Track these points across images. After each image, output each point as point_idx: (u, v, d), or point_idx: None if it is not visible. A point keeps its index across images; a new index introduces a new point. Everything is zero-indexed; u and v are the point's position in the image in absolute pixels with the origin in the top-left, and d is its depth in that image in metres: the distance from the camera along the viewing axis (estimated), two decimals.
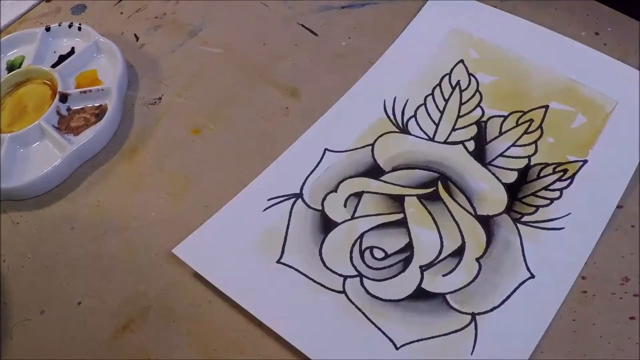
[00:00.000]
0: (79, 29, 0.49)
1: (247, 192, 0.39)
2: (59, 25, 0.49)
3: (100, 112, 0.44)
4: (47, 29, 0.49)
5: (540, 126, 0.40)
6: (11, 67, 0.48)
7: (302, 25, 0.48)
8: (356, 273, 0.35)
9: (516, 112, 0.41)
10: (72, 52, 0.48)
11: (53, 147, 0.43)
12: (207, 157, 0.41)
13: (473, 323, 0.32)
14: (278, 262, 0.36)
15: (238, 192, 0.39)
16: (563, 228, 0.35)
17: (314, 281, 0.35)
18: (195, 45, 0.48)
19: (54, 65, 0.47)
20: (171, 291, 0.36)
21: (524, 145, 0.39)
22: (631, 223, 0.35)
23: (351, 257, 0.36)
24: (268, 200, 0.38)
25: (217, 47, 0.48)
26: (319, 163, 0.40)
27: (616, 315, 0.32)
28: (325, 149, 0.40)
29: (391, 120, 0.41)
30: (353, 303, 0.34)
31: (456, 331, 0.32)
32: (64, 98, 0.44)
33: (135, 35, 0.50)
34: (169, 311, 0.35)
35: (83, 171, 0.42)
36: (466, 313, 0.33)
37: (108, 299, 0.36)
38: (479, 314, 0.33)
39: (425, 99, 0.42)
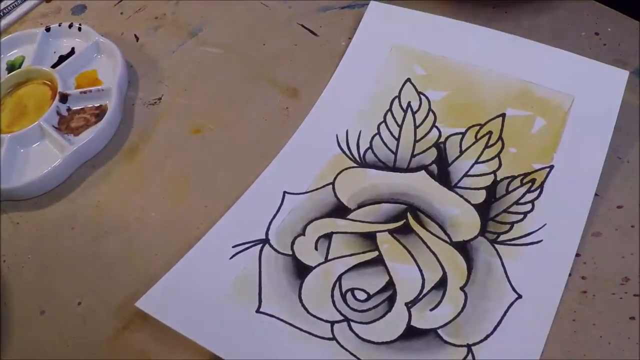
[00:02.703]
0: (79, 29, 0.49)
1: (209, 239, 0.36)
2: (59, 25, 0.49)
3: (100, 112, 0.44)
4: (47, 30, 0.49)
5: (500, 137, 0.38)
6: (11, 68, 0.48)
7: (302, 25, 0.48)
8: (342, 317, 0.33)
9: (473, 126, 0.39)
10: (72, 52, 0.48)
11: (53, 147, 0.43)
12: (207, 157, 0.41)
13: (470, 354, 0.31)
14: (258, 311, 0.33)
15: (238, 193, 0.39)
16: (541, 240, 0.34)
17: (301, 330, 0.32)
18: (195, 45, 0.48)
19: (54, 66, 0.47)
20: None
21: (487, 160, 0.38)
22: (631, 223, 0.35)
23: (333, 301, 0.34)
24: (233, 247, 0.36)
25: (217, 47, 0.48)
26: (280, 207, 0.37)
27: (616, 315, 0.32)
28: (285, 192, 0.38)
29: (347, 155, 0.39)
30: (346, 349, 0.32)
31: None
32: (64, 98, 0.44)
33: (135, 36, 0.50)
34: None
35: (83, 171, 0.42)
36: (461, 345, 0.31)
37: (108, 299, 0.36)
38: (474, 344, 0.31)
39: (378, 128, 0.40)
